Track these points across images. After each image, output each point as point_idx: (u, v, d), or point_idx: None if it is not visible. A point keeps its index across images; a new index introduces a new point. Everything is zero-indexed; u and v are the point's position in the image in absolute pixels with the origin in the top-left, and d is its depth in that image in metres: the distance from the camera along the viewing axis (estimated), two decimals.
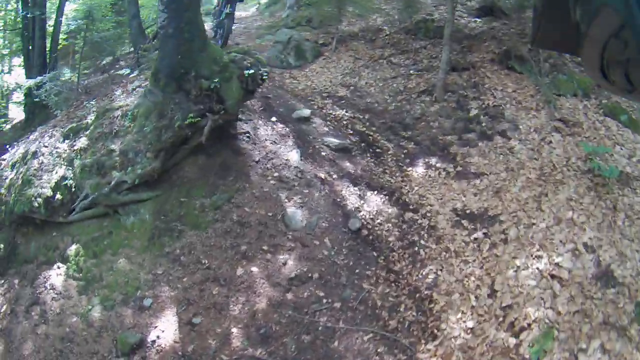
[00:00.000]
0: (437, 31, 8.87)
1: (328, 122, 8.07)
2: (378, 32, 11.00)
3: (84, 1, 12.00)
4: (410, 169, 6.99)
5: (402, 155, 7.29)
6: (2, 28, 16.22)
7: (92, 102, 8.44)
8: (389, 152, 7.41)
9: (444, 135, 7.34)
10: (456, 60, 8.56)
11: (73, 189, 6.66)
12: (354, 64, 10.12)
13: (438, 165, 6.84)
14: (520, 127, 6.92)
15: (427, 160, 7.04)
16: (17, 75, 15.61)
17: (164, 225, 6.10)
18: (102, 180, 6.48)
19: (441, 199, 6.13)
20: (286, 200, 6.27)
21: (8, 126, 13.26)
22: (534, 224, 4.97)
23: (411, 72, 9.02)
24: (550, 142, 6.41)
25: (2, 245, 7.10)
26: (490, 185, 5.97)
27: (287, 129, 7.64)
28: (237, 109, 6.66)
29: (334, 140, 7.43)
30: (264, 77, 6.85)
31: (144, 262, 5.81)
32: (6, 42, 16.41)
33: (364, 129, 7.96)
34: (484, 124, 7.17)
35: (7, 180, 7.47)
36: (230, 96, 6.47)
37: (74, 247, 6.34)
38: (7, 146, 8.75)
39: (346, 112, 8.41)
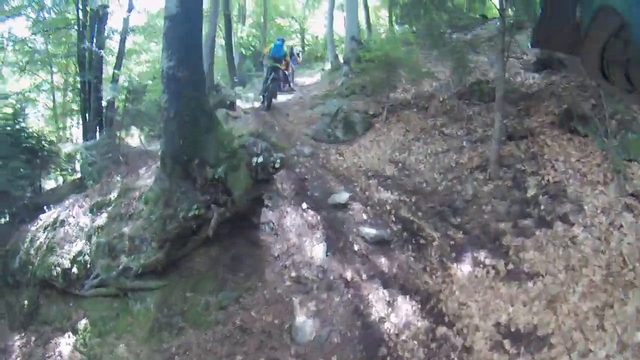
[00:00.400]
0: (493, 93, 8.50)
1: (369, 208, 7.93)
2: (430, 99, 10.88)
3: (128, 70, 13.48)
4: (454, 265, 6.44)
5: (448, 248, 6.79)
6: (70, 87, 18.66)
7: (118, 178, 9.28)
8: (434, 244, 6.95)
9: (497, 221, 6.76)
10: (512, 126, 8.14)
11: (88, 265, 7.32)
12: (404, 137, 10.02)
13: (487, 261, 6.22)
14: (585, 207, 6.16)
15: (475, 254, 6.46)
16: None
17: (165, 320, 6.28)
18: (112, 262, 6.95)
19: (484, 308, 5.46)
20: (299, 307, 6.08)
21: (70, 178, 14.37)
22: (591, 350, 4.19)
23: (464, 143, 8.69)
24: (621, 226, 5.56)
25: (26, 302, 8.11)
26: (544, 290, 5.22)
27: (319, 217, 7.62)
28: (245, 201, 6.67)
29: (371, 231, 7.21)
30: (276, 165, 6.84)
31: (140, 353, 6.03)
32: (77, 98, 18.23)
33: (409, 214, 7.65)
34: (542, 207, 6.51)
35: (37, 242, 8.48)
36: (237, 187, 6.53)
37: (84, 321, 6.98)
38: (45, 207, 9.95)
39: (391, 194, 8.26)
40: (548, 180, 6.87)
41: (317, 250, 6.88)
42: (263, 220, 7.50)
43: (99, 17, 14.02)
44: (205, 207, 6.55)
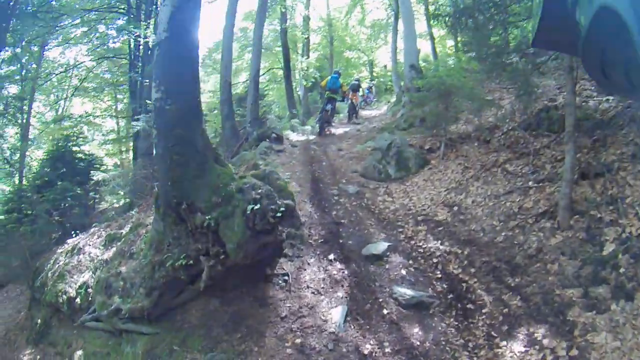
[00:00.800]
0: (563, 122, 7.20)
1: (411, 261, 6.89)
2: (493, 131, 9.69)
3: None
4: (504, 344, 5.12)
5: (500, 318, 5.50)
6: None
7: (133, 212, 9.29)
8: (484, 311, 5.71)
9: (563, 287, 5.36)
10: (586, 161, 6.76)
11: (90, 298, 7.35)
12: (462, 175, 8.93)
13: (545, 341, 4.84)
14: None
15: (531, 330, 5.10)
16: None
17: None
18: (107, 300, 6.78)
19: None
20: None
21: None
22: None
23: (530, 183, 7.38)
24: None
25: (39, 321, 8.66)
26: None
27: (346, 272, 6.70)
28: (240, 254, 5.79)
29: (407, 292, 6.06)
30: (278, 215, 5.91)
31: None
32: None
33: (459, 270, 6.50)
34: (622, 269, 4.99)
35: (56, 266, 8.80)
36: (230, 238, 5.72)
37: (80, 352, 7.16)
38: (73, 232, 10.44)
39: (441, 244, 7.19)
40: (630, 233, 5.33)
41: (334, 312, 5.83)
42: (279, 272, 6.64)
43: (149, 49, 14.62)
44: (196, 258, 5.85)
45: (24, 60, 16.75)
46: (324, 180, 10.48)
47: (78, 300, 7.59)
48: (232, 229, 5.71)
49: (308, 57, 26.76)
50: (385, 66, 33.22)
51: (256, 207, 5.67)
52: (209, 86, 22.06)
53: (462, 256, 6.73)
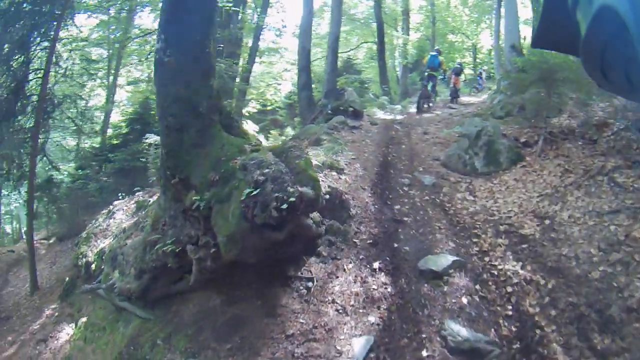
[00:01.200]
0: None
1: (478, 286, 5.14)
2: (602, 129, 7.64)
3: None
4: None
5: None
6: None
7: None
8: None
9: None
10: None
11: (102, 266, 6.93)
12: (560, 180, 6.94)
13: None
14: None
15: None
16: None
17: (127, 358, 5.31)
18: (110, 273, 6.32)
19: None
20: None
21: None
22: None
23: None
24: None
25: (67, 279, 8.74)
26: None
27: (390, 289, 5.16)
28: (233, 251, 4.42)
29: (461, 331, 4.38)
30: (286, 205, 4.33)
31: None
32: None
33: (536, 310, 4.64)
34: None
35: (92, 228, 8.66)
36: (221, 229, 4.45)
37: (84, 319, 6.99)
38: (120, 195, 10.19)
39: (521, 267, 5.29)
40: None
41: (355, 343, 4.35)
42: (304, 275, 5.31)
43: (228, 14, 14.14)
44: (186, 245, 4.88)
45: (112, 28, 17.61)
46: (397, 166, 9.01)
47: (93, 266, 7.39)
48: (226, 218, 4.51)
49: (407, 34, 25.35)
50: (490, 52, 30.88)
51: (255, 193, 4.25)
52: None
53: (544, 290, 4.85)
